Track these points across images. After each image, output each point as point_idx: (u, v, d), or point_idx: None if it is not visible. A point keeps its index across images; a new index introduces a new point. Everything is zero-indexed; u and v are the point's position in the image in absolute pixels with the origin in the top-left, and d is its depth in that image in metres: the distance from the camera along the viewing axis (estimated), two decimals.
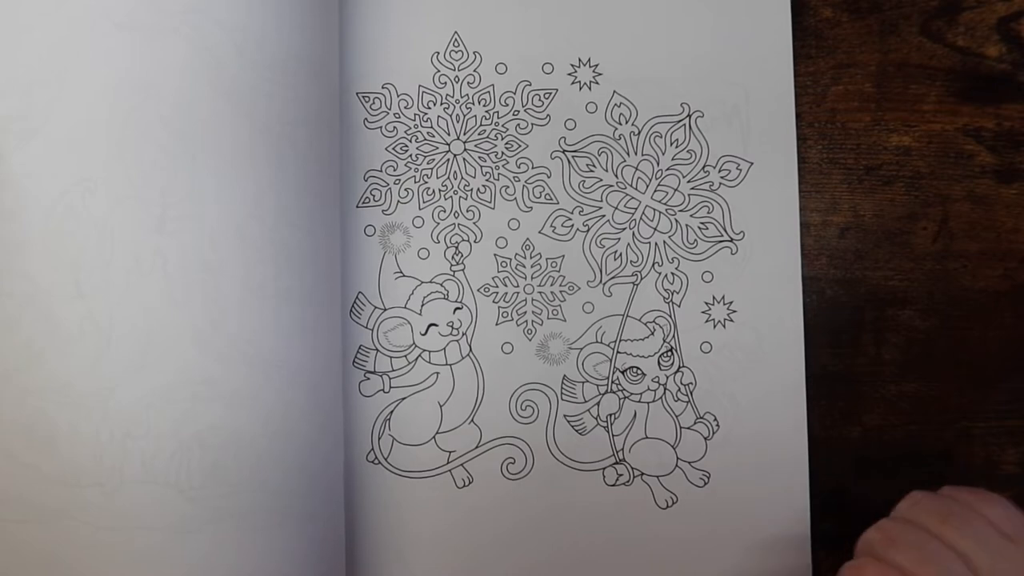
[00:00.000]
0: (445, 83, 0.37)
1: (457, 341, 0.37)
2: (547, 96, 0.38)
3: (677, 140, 0.37)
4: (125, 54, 0.28)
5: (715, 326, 0.37)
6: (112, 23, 0.28)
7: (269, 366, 0.30)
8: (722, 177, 0.37)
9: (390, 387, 0.37)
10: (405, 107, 0.37)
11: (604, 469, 0.37)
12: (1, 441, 0.29)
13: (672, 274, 0.37)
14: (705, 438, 0.37)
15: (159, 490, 0.28)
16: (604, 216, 0.37)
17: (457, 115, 0.37)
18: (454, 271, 0.37)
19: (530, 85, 0.37)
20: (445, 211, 0.37)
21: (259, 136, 0.30)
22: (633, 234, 0.37)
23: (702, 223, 0.37)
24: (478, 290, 0.37)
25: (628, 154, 0.37)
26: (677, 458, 0.37)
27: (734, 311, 0.37)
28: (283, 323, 0.30)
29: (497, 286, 0.37)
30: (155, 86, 0.28)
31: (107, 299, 0.28)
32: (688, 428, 0.37)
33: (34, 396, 0.28)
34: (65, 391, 0.28)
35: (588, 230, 0.37)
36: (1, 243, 0.28)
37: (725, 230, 0.37)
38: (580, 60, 0.38)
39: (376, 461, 0.36)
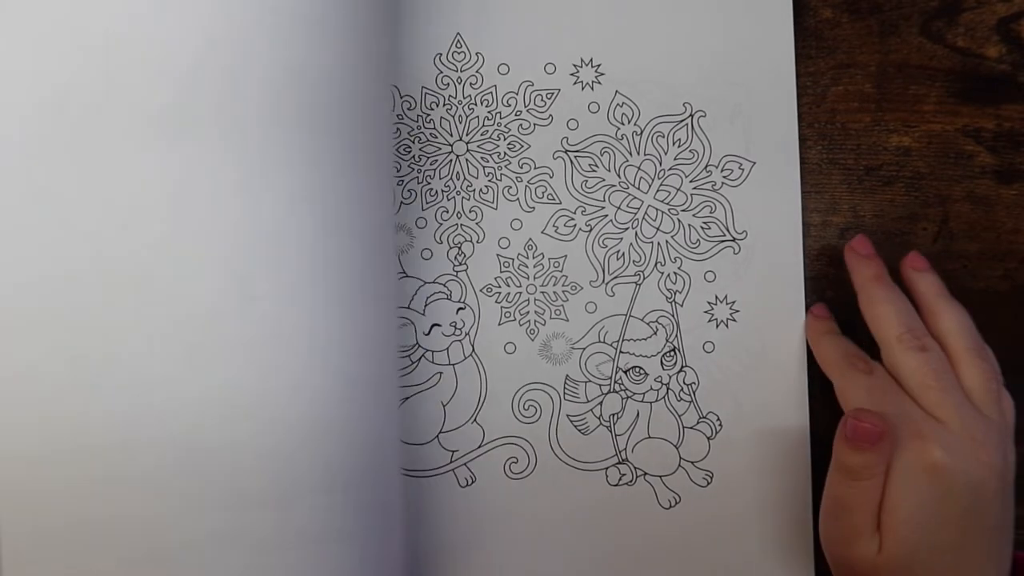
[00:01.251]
0: (448, 84, 0.37)
1: (460, 341, 0.37)
2: (549, 96, 0.38)
3: (680, 140, 0.38)
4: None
5: (717, 326, 0.37)
6: None
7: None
8: (724, 177, 0.38)
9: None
10: (408, 108, 0.37)
11: (607, 469, 0.37)
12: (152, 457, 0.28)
13: (675, 274, 0.37)
14: (708, 438, 0.37)
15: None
16: (607, 216, 0.37)
17: (460, 116, 0.37)
18: (457, 271, 0.37)
19: (532, 85, 0.38)
20: (448, 211, 0.37)
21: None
22: (636, 234, 0.37)
23: (704, 223, 0.37)
24: (481, 290, 0.37)
25: (630, 154, 0.38)
26: (680, 458, 0.37)
27: (736, 311, 0.37)
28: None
29: (500, 286, 0.37)
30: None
31: (277, 302, 0.28)
32: (691, 428, 0.37)
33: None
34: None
35: (591, 230, 0.37)
36: (163, 250, 0.27)
37: (727, 230, 0.37)
38: (582, 60, 0.38)
39: None
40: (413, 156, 0.37)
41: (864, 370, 0.33)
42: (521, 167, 0.37)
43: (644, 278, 0.37)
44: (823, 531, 0.33)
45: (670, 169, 0.38)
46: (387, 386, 0.32)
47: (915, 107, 0.38)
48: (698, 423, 0.37)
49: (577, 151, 0.37)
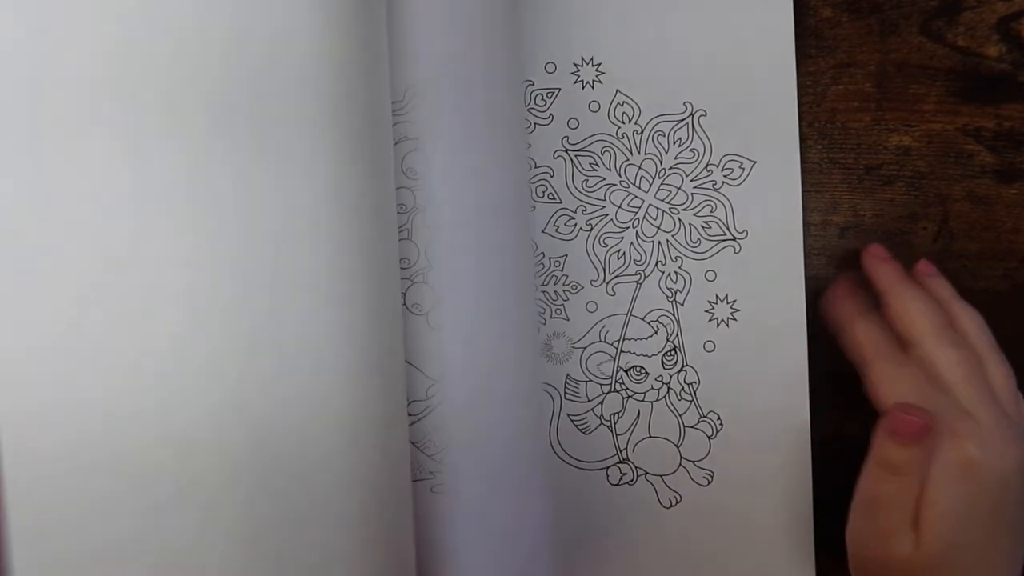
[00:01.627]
0: None
1: None
2: (550, 95, 0.37)
3: (680, 139, 0.37)
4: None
5: (718, 325, 0.37)
6: None
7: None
8: (725, 176, 0.37)
9: None
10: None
11: (608, 468, 0.37)
12: None
13: (675, 273, 0.37)
14: (709, 437, 0.37)
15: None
16: (607, 215, 0.37)
17: None
18: None
19: (533, 85, 0.37)
20: None
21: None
22: (636, 233, 0.37)
23: (705, 222, 0.37)
24: None
25: (631, 153, 0.37)
26: (681, 457, 0.37)
27: (737, 310, 0.37)
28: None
29: None
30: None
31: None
32: (691, 427, 0.37)
33: None
34: None
35: (591, 229, 0.37)
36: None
37: (728, 229, 0.37)
38: (583, 59, 0.38)
39: None
40: None
41: (901, 362, 0.32)
42: None
43: (645, 277, 0.37)
44: (855, 532, 0.33)
45: (671, 168, 0.37)
46: (395, 390, 0.32)
47: (915, 106, 0.38)
48: (699, 422, 0.37)
49: (577, 150, 0.37)
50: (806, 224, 0.38)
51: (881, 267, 0.35)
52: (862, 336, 0.34)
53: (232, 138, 0.27)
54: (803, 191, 0.38)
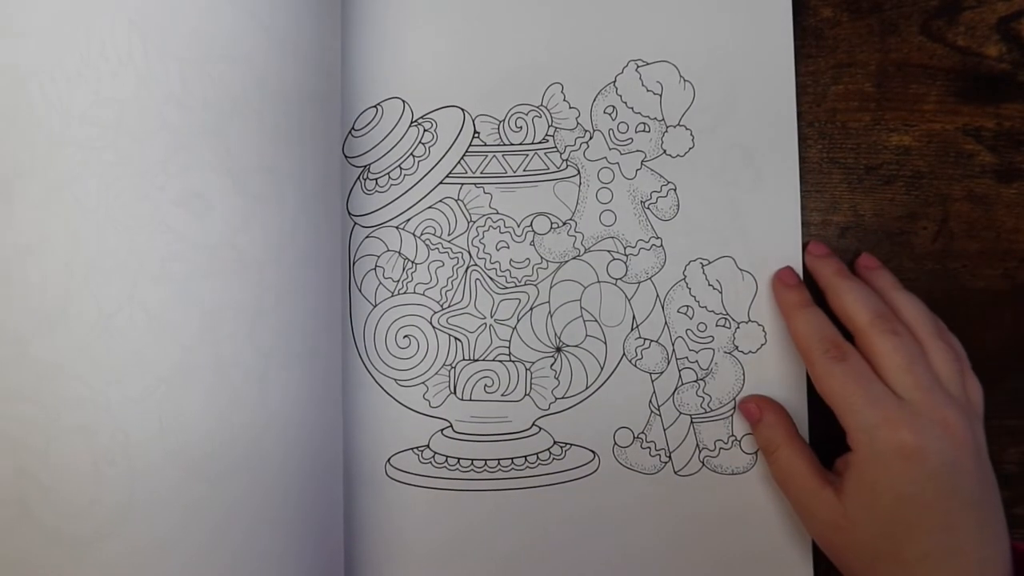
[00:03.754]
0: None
1: None
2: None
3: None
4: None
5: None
6: None
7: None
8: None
9: None
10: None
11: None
12: None
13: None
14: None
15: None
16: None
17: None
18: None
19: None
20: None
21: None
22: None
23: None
24: None
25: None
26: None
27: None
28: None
29: None
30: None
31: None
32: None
33: None
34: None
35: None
36: None
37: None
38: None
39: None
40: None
41: (837, 357, 0.33)
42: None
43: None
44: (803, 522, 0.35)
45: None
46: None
47: (915, 106, 0.38)
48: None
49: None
50: (806, 224, 0.38)
51: (820, 263, 0.36)
52: (801, 332, 0.35)
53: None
54: (803, 191, 0.38)
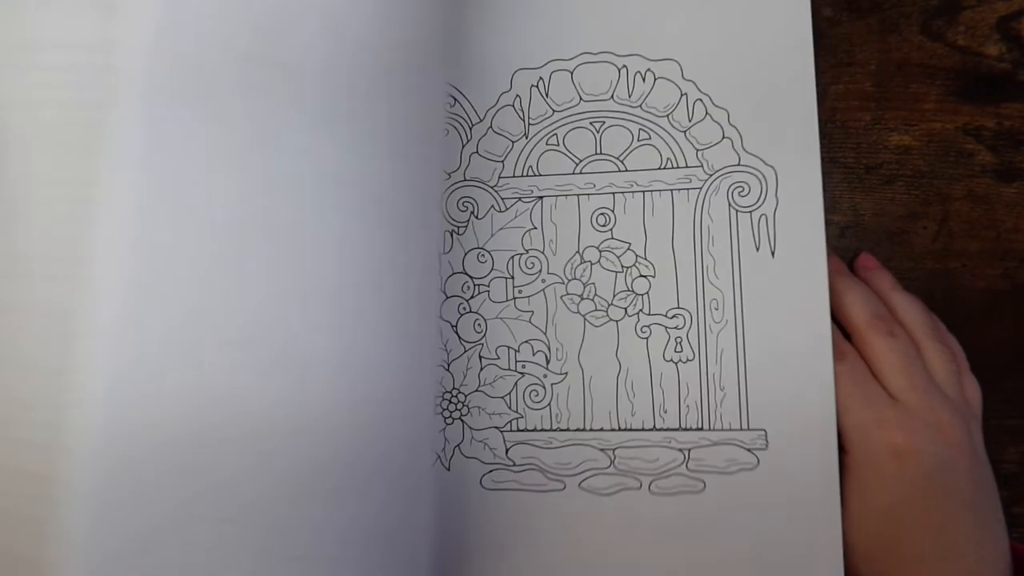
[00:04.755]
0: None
1: None
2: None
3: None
4: None
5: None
6: None
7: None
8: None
9: None
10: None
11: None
12: None
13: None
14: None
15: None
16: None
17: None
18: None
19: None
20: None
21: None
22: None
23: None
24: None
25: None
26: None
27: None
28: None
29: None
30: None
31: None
32: None
33: None
34: None
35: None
36: None
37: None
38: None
39: None
40: None
41: (835, 357, 0.33)
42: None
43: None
44: None
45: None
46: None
47: (915, 106, 0.38)
48: None
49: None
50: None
51: None
52: None
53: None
54: (822, 192, 0.37)
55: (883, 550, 0.31)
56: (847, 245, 0.38)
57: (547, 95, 0.37)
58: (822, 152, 0.38)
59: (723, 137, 0.36)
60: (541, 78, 0.37)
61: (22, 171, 0.26)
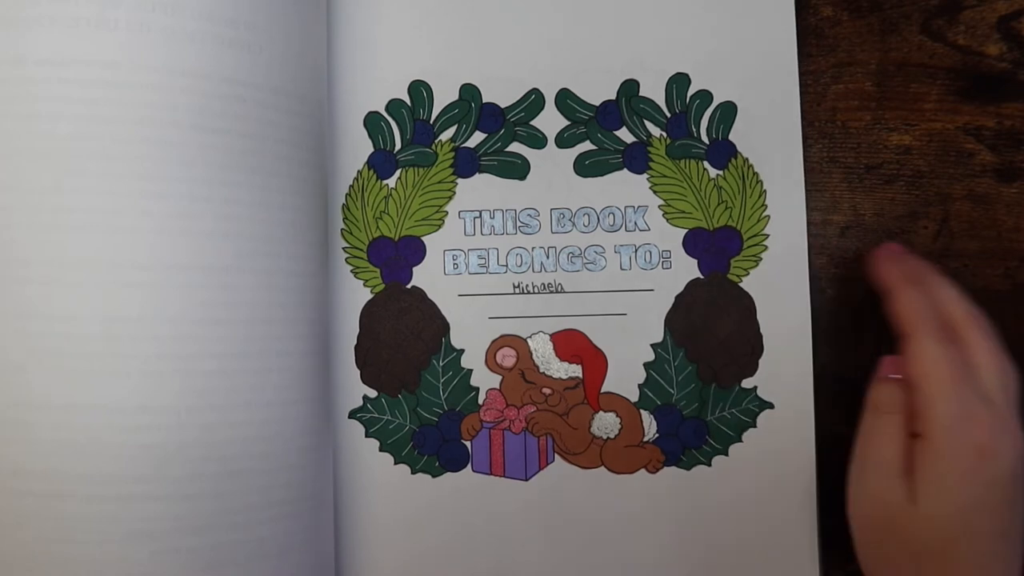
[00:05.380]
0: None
1: None
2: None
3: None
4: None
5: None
6: None
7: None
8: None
9: None
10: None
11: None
12: None
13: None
14: None
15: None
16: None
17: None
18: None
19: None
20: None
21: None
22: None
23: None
24: None
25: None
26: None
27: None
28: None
29: None
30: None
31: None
32: None
33: None
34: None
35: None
36: None
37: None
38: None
39: None
40: None
41: (945, 339, 0.32)
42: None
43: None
44: (852, 489, 0.33)
45: None
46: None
47: (915, 105, 0.38)
48: None
49: None
50: (807, 223, 0.38)
51: (891, 263, 0.35)
52: (913, 303, 0.33)
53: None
54: (804, 190, 0.37)
55: (939, 543, 0.31)
56: (847, 245, 0.38)
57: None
58: (822, 152, 0.38)
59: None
60: None
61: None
